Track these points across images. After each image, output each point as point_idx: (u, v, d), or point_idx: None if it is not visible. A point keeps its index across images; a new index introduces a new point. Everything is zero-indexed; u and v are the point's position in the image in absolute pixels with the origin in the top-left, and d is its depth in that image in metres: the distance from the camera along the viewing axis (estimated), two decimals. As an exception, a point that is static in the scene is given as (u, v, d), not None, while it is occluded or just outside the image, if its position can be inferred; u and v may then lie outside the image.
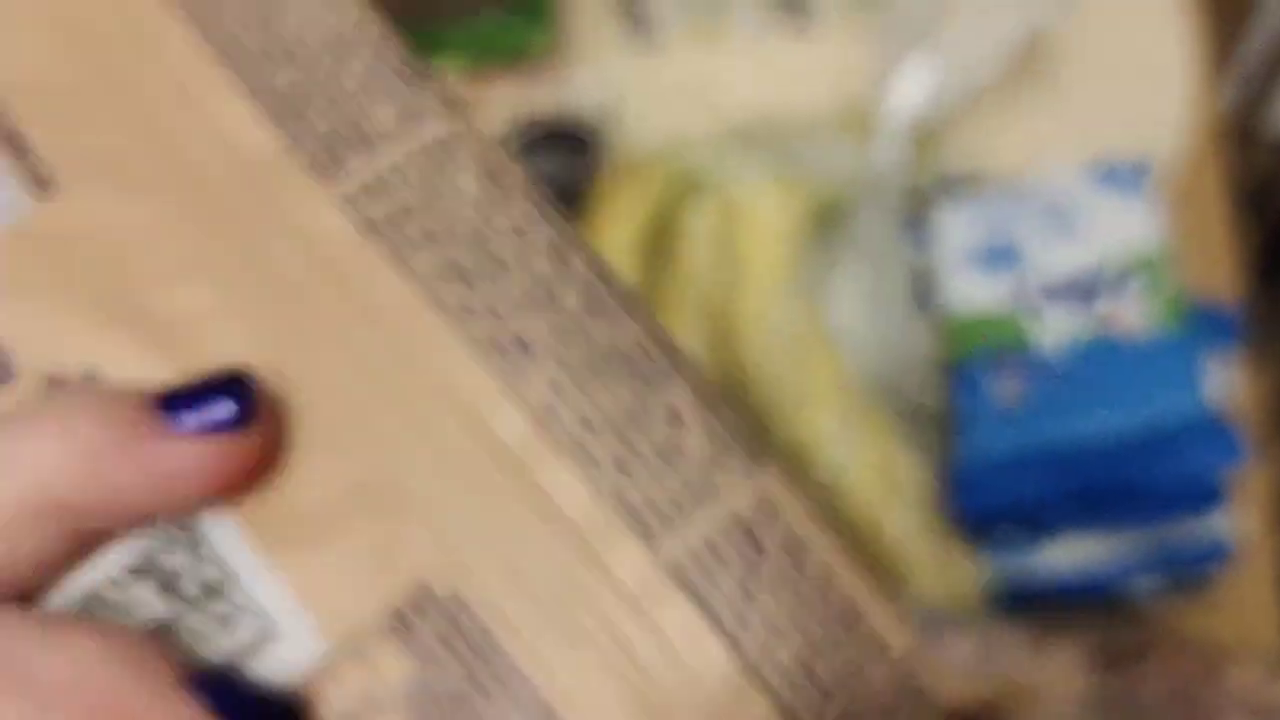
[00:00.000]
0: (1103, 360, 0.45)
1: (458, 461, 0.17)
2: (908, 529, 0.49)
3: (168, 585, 0.17)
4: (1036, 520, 0.46)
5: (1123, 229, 0.47)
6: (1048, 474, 0.45)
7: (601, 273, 0.18)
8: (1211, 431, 0.44)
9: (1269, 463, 0.60)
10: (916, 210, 0.53)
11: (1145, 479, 0.44)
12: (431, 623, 0.16)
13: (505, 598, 0.16)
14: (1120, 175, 0.48)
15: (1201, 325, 0.51)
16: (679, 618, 0.16)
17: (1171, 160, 0.60)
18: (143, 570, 0.17)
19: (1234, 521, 0.47)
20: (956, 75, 0.58)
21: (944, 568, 0.49)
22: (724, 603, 0.16)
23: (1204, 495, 0.45)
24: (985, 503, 0.46)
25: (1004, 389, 0.46)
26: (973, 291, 0.48)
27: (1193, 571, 0.47)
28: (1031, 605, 0.48)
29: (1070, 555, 0.47)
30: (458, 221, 0.18)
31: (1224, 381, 0.52)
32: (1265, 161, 0.89)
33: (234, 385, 0.17)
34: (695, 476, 0.17)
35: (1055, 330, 0.46)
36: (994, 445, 0.46)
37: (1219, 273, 0.59)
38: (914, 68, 0.58)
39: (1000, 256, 0.48)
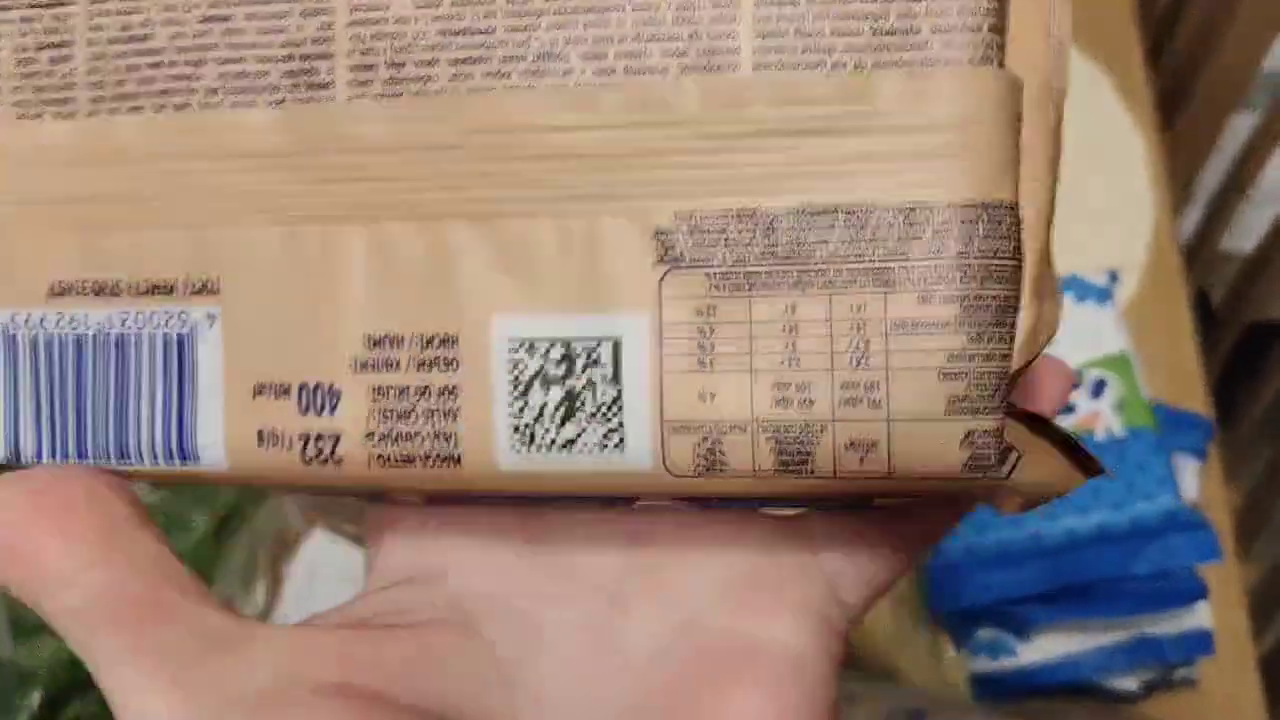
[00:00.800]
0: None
1: None
2: (896, 620, 0.50)
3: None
4: (1019, 614, 0.48)
5: (1095, 336, 0.50)
6: (1030, 568, 0.47)
7: None
8: (1189, 527, 0.46)
9: (1243, 564, 0.62)
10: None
11: (1127, 573, 0.46)
12: None
13: None
14: (1089, 286, 0.51)
15: (1172, 428, 0.54)
16: None
17: (1139, 279, 0.64)
18: None
19: (1214, 616, 0.49)
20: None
21: (932, 658, 0.50)
22: None
23: (1185, 589, 0.47)
24: (968, 597, 0.48)
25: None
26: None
27: (1176, 663, 0.49)
28: (1016, 697, 0.49)
29: (1053, 648, 0.48)
30: None
31: (1194, 483, 0.55)
32: (1229, 279, 0.93)
33: None
34: None
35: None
36: (976, 540, 0.48)
37: (1186, 384, 0.62)
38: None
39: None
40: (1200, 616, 0.48)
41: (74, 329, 0.19)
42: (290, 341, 0.18)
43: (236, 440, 0.18)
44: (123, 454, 0.19)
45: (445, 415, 0.18)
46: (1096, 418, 0.48)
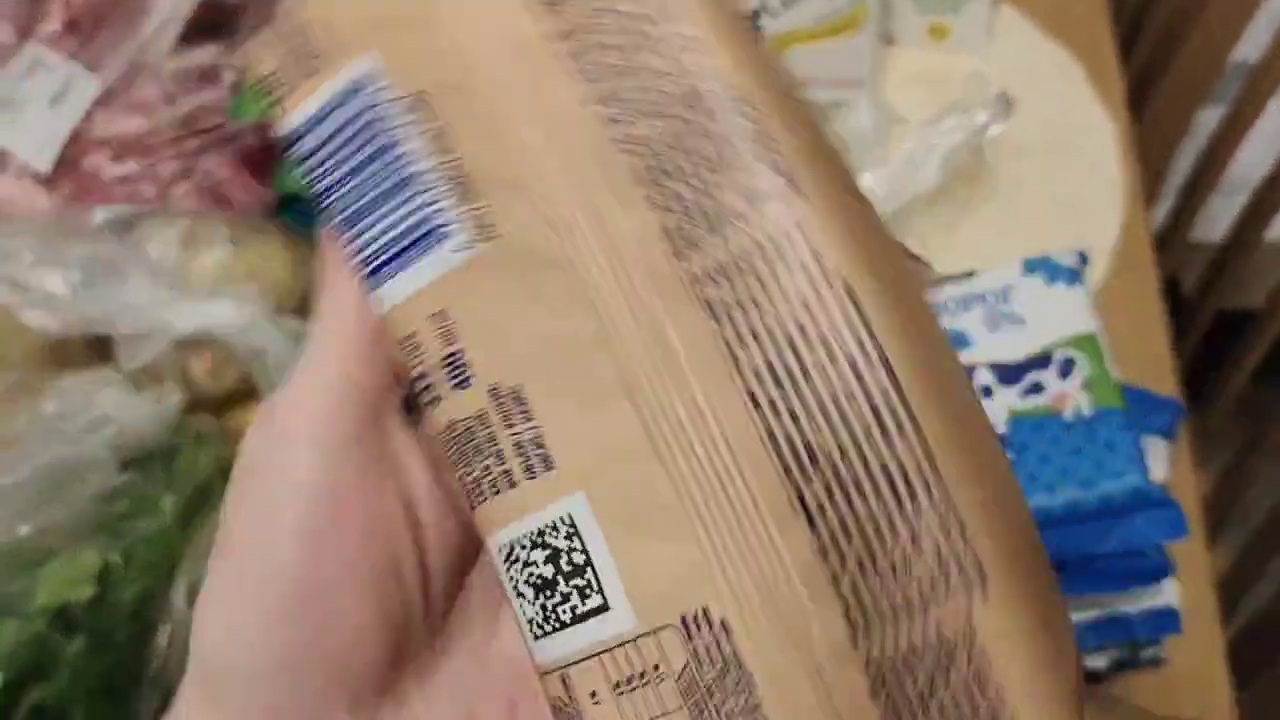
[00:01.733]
0: (1051, 436, 0.48)
1: None
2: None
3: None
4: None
5: (1064, 316, 0.50)
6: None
7: None
8: (1156, 504, 0.46)
9: (1212, 550, 0.63)
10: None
11: (1095, 551, 0.46)
12: None
13: None
14: (1059, 268, 0.51)
15: (1141, 409, 0.54)
16: None
17: (1110, 264, 0.65)
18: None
19: (1182, 598, 0.49)
20: (905, 184, 0.62)
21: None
22: None
23: (1152, 566, 0.47)
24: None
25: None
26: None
27: (1144, 642, 0.49)
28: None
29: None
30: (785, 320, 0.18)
31: (1163, 464, 0.55)
32: (1199, 267, 0.94)
33: None
34: None
35: (1004, 409, 0.49)
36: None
37: (1156, 368, 0.63)
38: (865, 180, 0.62)
39: (953, 343, 0.51)
40: (1168, 594, 0.48)
41: None
42: None
43: None
44: None
45: None
46: (1065, 397, 0.48)
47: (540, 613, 0.19)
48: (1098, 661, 0.51)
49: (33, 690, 0.49)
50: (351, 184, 0.21)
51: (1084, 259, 0.52)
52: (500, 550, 0.20)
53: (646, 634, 0.18)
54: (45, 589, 0.50)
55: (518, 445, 0.19)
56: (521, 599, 0.20)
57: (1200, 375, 0.84)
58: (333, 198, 0.21)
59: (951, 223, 0.65)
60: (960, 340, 0.51)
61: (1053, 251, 0.52)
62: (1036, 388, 0.49)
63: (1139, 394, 0.55)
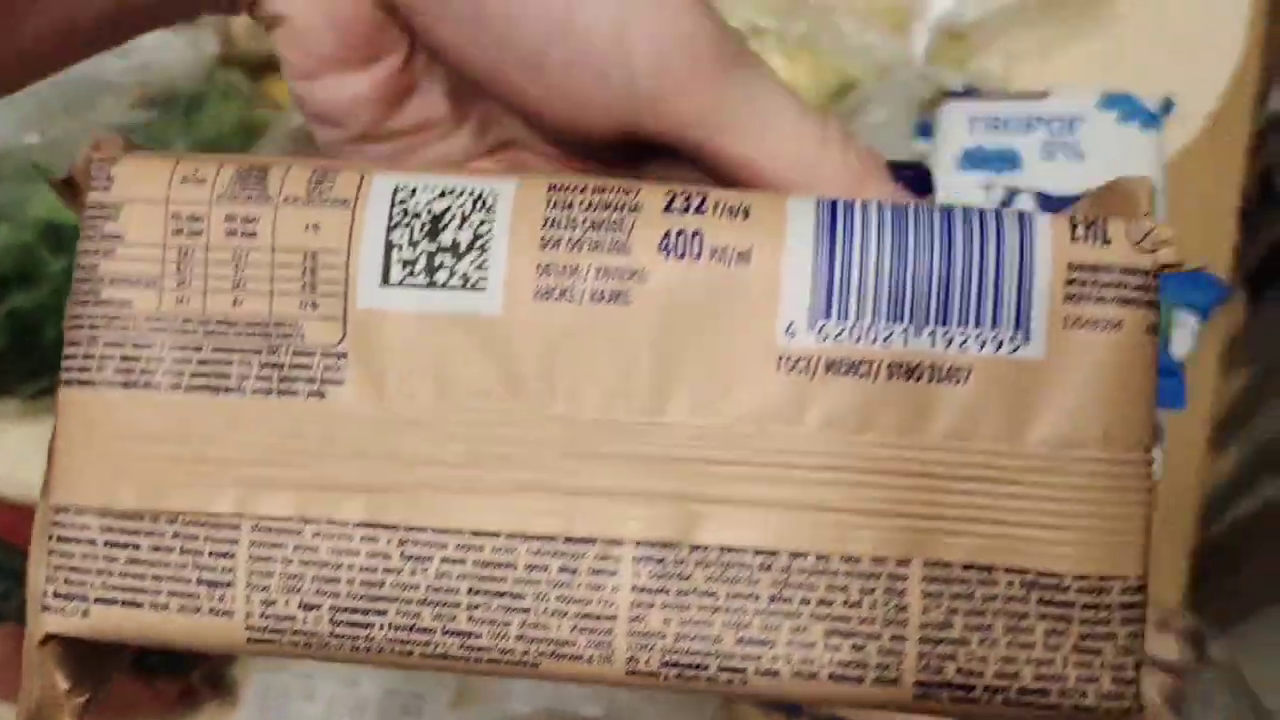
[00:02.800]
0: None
1: None
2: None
3: None
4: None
5: (1128, 160, 0.47)
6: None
7: None
8: (1161, 371, 0.44)
9: (1212, 450, 0.61)
10: (931, 108, 0.53)
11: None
12: None
13: None
14: (1138, 108, 0.47)
15: (1181, 281, 0.51)
16: None
17: (1201, 126, 0.60)
18: None
19: (1161, 468, 0.48)
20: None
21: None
22: None
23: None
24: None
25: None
26: (964, 189, 0.48)
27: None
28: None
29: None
30: None
31: (1189, 341, 0.53)
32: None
33: None
34: None
35: (1035, 241, 0.46)
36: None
37: (1214, 249, 0.59)
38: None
39: (999, 161, 0.47)
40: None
41: None
42: None
43: None
44: None
45: None
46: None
47: None
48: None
49: (14, 295, 0.50)
50: None
51: (1169, 106, 0.48)
52: None
53: None
54: (40, 202, 0.50)
55: None
56: None
57: (1265, 280, 0.80)
58: None
59: (1048, 46, 0.60)
60: (1010, 160, 0.48)
61: (1138, 90, 0.48)
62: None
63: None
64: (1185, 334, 0.52)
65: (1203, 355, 0.56)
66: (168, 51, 0.57)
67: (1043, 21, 0.60)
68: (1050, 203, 0.47)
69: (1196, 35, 0.62)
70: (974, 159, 0.48)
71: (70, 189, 0.21)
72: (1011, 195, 0.47)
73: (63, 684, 0.20)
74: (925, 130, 0.52)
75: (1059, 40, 0.61)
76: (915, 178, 0.21)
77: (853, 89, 0.55)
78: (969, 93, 0.51)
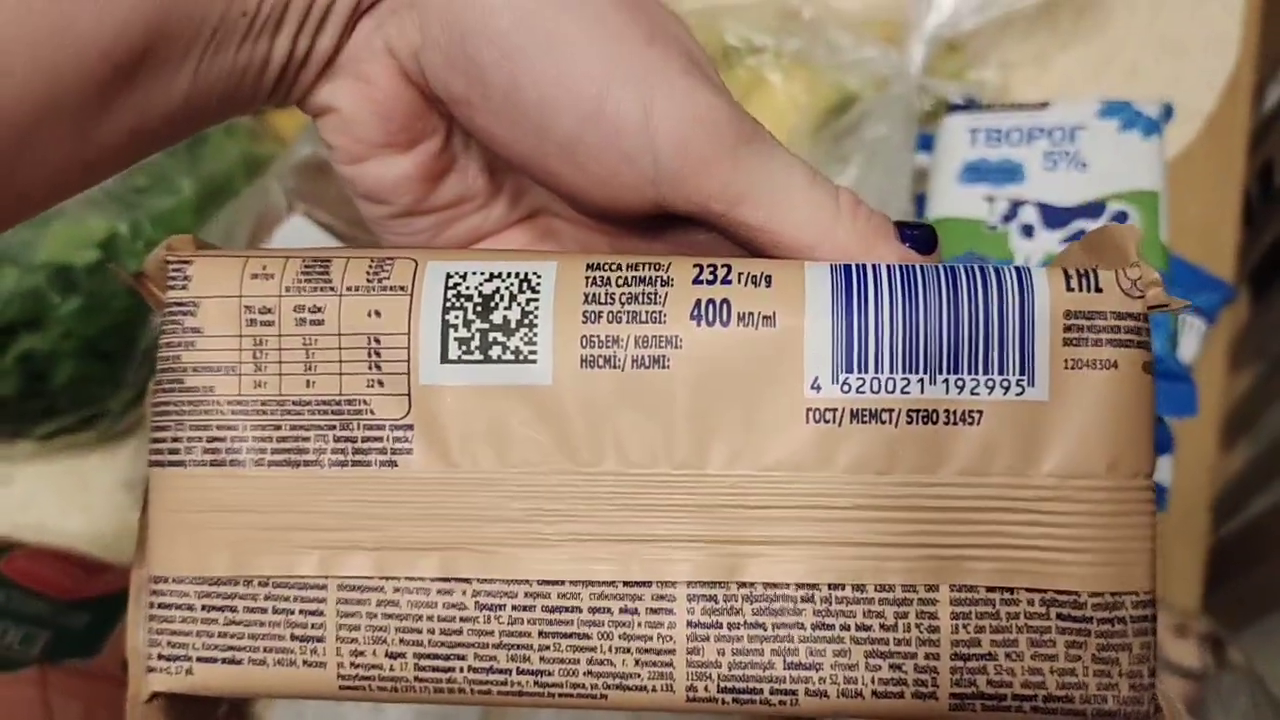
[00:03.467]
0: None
1: None
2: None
3: None
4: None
5: (1130, 168, 0.47)
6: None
7: None
8: (1170, 376, 0.44)
9: (1222, 448, 0.61)
10: (931, 121, 0.53)
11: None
12: None
13: None
14: (1138, 115, 0.47)
15: (1187, 282, 0.51)
16: None
17: (1199, 129, 0.60)
18: None
19: (1172, 474, 0.48)
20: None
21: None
22: None
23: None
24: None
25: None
26: (967, 202, 0.48)
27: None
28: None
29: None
30: None
31: (1195, 344, 0.53)
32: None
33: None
34: None
35: (1042, 252, 0.46)
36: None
37: (1217, 249, 0.59)
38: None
39: (1001, 173, 0.48)
40: (1161, 471, 0.47)
41: None
42: None
43: None
44: None
45: None
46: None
47: None
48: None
49: (25, 339, 0.50)
50: None
51: (1169, 111, 0.48)
52: None
53: None
54: (49, 245, 0.51)
55: None
56: None
57: (1268, 276, 0.79)
58: None
59: (1044, 54, 0.61)
60: (1013, 173, 0.48)
61: (1137, 97, 0.48)
62: (1081, 236, 0.46)
63: (1188, 268, 0.52)
64: (1193, 337, 0.52)
65: (1209, 356, 0.56)
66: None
67: (1038, 29, 0.60)
68: (1053, 214, 0.47)
69: (1191, 36, 0.62)
70: (976, 171, 0.48)
71: (141, 283, 0.23)
72: (1015, 207, 0.47)
73: None
74: (926, 144, 0.52)
75: (1055, 47, 0.61)
76: (921, 236, 0.22)
77: (851, 103, 0.55)
78: (969, 105, 0.52)
